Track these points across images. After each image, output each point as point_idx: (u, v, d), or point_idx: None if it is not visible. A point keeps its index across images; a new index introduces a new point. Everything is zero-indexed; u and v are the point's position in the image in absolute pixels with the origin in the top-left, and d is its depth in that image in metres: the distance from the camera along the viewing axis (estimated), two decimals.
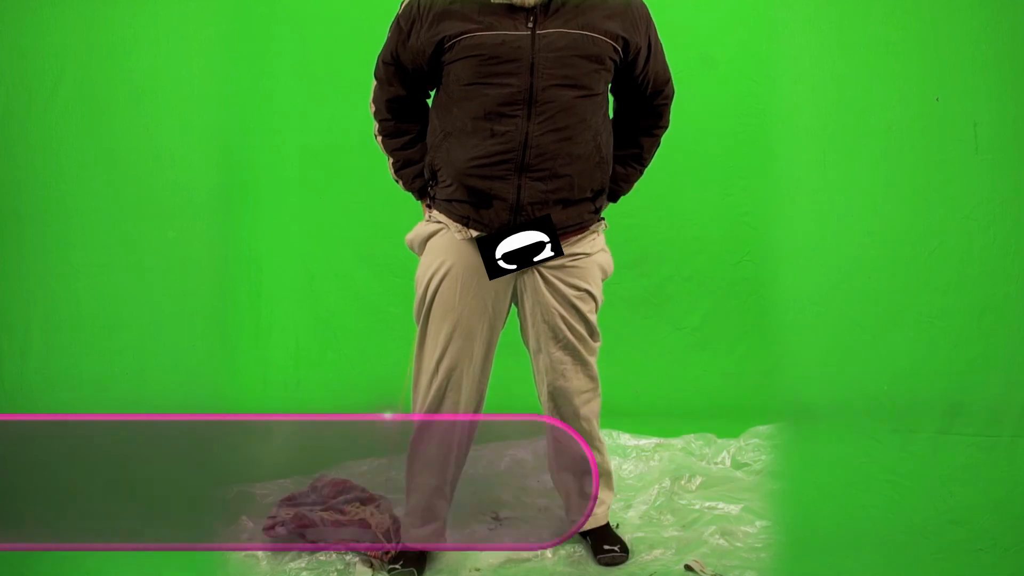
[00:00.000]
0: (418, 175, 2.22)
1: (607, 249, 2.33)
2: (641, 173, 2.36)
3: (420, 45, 2.10)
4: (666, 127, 2.33)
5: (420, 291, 2.26)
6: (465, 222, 2.14)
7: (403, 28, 2.12)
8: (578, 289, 2.26)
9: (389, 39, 2.17)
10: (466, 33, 2.04)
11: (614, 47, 2.09)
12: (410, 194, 2.28)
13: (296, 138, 3.66)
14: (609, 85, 2.19)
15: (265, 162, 3.65)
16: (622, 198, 2.43)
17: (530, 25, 2.03)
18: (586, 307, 2.28)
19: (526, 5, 2.02)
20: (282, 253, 3.72)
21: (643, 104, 2.25)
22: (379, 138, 2.24)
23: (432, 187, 2.20)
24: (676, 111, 2.43)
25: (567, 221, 2.17)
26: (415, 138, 2.23)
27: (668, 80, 2.26)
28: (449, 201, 2.15)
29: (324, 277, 3.61)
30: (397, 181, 2.27)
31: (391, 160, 2.24)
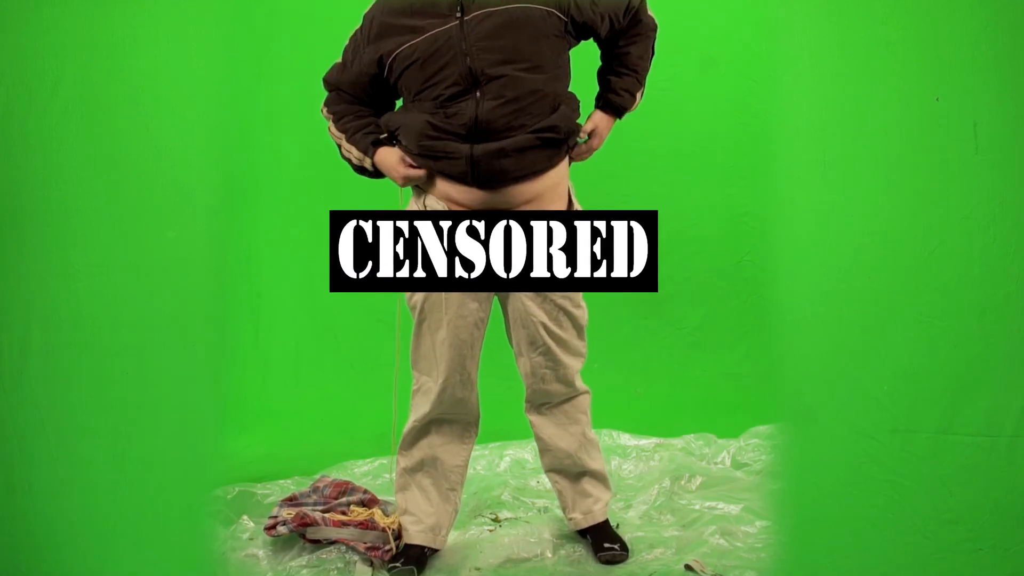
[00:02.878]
0: (368, 131, 2.26)
1: (575, 201, 2.31)
2: (638, 80, 2.30)
3: (362, 68, 2.22)
4: (652, 27, 2.28)
5: (408, 298, 2.31)
6: (432, 169, 2.19)
7: (345, 56, 2.26)
8: (562, 295, 2.27)
9: (338, 62, 2.29)
10: (401, 46, 2.13)
11: (547, 11, 2.11)
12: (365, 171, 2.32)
13: (296, 138, 3.67)
14: (567, 53, 2.20)
15: (265, 162, 3.66)
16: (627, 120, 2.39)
17: (458, 15, 2.08)
18: (571, 307, 2.30)
19: None
20: (282, 253, 3.73)
21: (620, 33, 2.26)
22: (332, 128, 2.32)
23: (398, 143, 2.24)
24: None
25: (536, 164, 2.17)
26: (366, 113, 2.29)
27: (628, 3, 2.23)
28: (415, 156, 2.20)
29: (323, 277, 3.60)
30: (349, 156, 2.30)
31: (344, 136, 2.28)
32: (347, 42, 2.28)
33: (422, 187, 2.25)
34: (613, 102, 2.29)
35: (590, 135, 2.27)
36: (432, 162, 2.18)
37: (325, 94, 2.35)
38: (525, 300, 2.25)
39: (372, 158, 2.25)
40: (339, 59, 2.30)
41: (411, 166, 2.20)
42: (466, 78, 2.10)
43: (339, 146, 2.32)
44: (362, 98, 2.29)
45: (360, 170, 2.32)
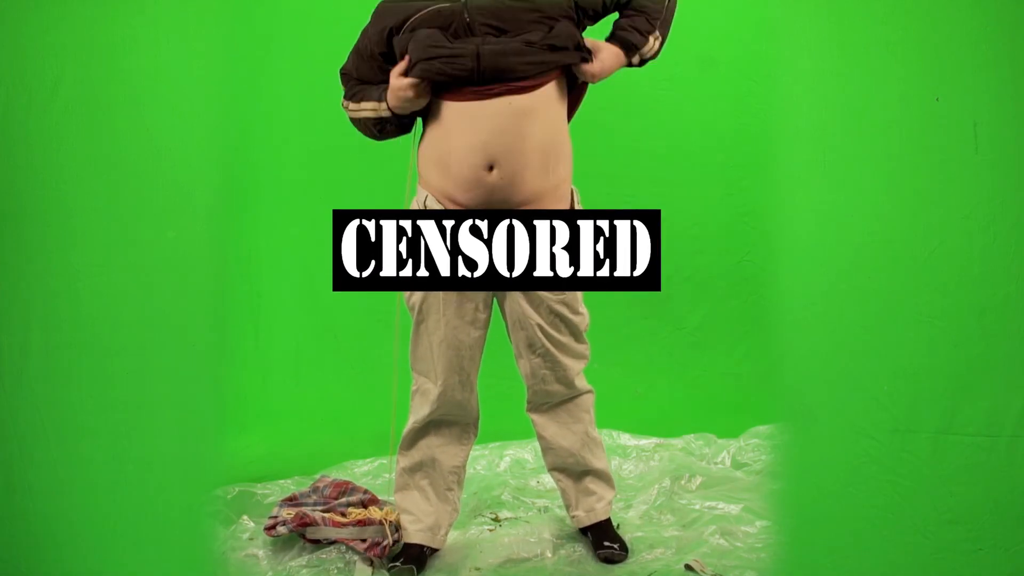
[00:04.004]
0: (375, 86, 2.25)
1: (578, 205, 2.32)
2: (649, 21, 2.25)
3: (372, 46, 2.22)
4: None
5: (407, 299, 2.31)
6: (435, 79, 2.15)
7: (362, 49, 2.27)
8: (558, 297, 2.27)
9: (351, 57, 2.30)
10: (406, 20, 2.14)
11: None
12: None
13: (296, 138, 3.67)
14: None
15: (265, 162, 3.66)
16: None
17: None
18: (568, 313, 2.30)
19: None
20: (282, 253, 3.73)
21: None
22: (348, 105, 2.31)
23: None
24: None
25: (541, 67, 2.15)
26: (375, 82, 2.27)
27: None
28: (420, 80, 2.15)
29: (323, 277, 3.61)
30: (366, 112, 2.28)
31: (352, 100, 2.29)
32: (362, 34, 2.28)
33: (422, 186, 2.25)
34: (621, 37, 2.24)
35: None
36: (437, 63, 2.12)
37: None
38: (521, 303, 2.25)
39: (386, 99, 2.22)
40: (351, 54, 2.30)
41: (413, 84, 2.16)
42: (464, 31, 2.11)
43: (357, 121, 2.29)
44: (374, 82, 2.28)
45: (379, 125, 2.28)
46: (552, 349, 2.28)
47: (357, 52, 2.29)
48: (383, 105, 2.23)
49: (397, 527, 2.39)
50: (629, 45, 2.25)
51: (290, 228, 3.72)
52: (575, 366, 2.35)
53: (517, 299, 2.25)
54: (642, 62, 2.30)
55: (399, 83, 2.16)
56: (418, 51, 2.13)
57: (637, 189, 3.53)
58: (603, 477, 2.46)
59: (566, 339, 2.30)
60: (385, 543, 2.33)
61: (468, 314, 2.25)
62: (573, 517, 2.46)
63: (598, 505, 2.44)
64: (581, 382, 2.38)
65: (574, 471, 2.44)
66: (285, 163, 3.71)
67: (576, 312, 2.30)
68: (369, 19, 2.27)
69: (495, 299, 2.33)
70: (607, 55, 2.23)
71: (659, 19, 2.26)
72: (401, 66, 2.16)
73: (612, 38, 2.26)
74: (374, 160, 3.54)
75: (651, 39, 2.26)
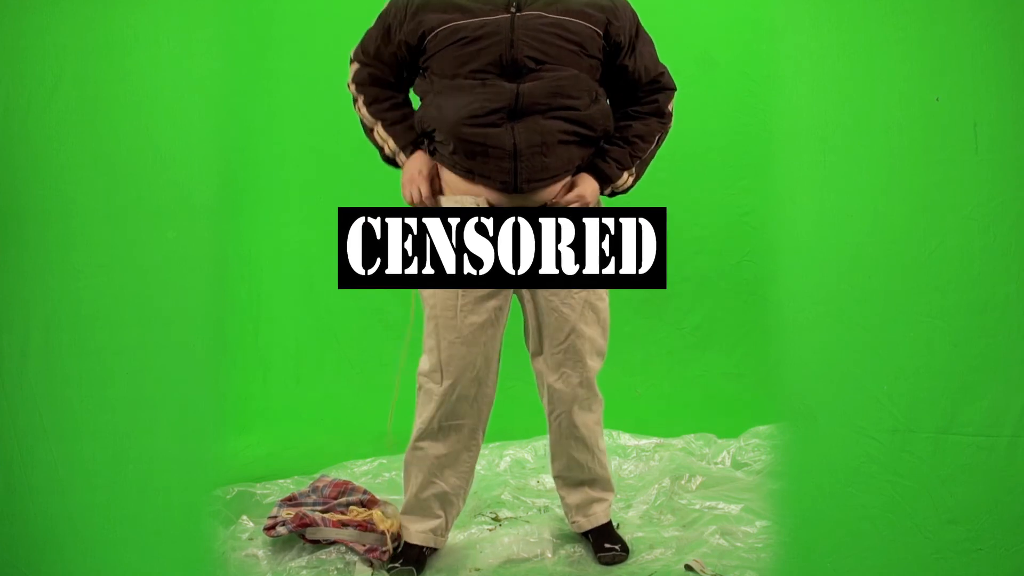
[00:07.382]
0: (411, 127, 2.24)
1: None
2: (631, 156, 2.26)
3: (403, 37, 2.17)
4: (664, 118, 2.29)
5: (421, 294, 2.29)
6: (470, 176, 2.13)
7: (387, 22, 2.20)
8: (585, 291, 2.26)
9: (373, 29, 2.24)
10: (446, 23, 2.11)
11: (595, 31, 2.12)
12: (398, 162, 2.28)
13: (296, 138, 3.67)
14: (598, 75, 2.20)
15: (265, 162, 3.66)
16: (619, 197, 2.36)
17: (513, 9, 2.10)
18: (594, 300, 2.28)
19: None
20: (282, 253, 3.73)
21: (636, 95, 2.26)
22: (364, 109, 2.26)
23: (432, 145, 2.21)
24: (677, 111, 2.42)
25: (572, 162, 2.18)
26: (402, 101, 2.27)
27: (661, 73, 2.27)
28: (452, 155, 2.16)
29: (323, 277, 3.62)
30: (383, 144, 2.27)
31: (381, 123, 2.25)
32: (386, 10, 2.23)
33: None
34: (600, 169, 2.25)
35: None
36: (472, 162, 2.15)
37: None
38: (549, 294, 2.23)
39: (407, 157, 2.24)
40: (372, 28, 2.24)
41: (427, 185, 2.21)
42: (507, 65, 2.10)
43: (369, 129, 2.29)
44: (397, 75, 2.26)
45: (388, 160, 2.31)
46: (577, 342, 2.26)
47: (387, 33, 2.21)
48: (401, 157, 2.25)
49: (398, 537, 2.39)
50: (605, 178, 2.26)
51: (290, 228, 3.72)
52: (595, 365, 2.32)
53: (543, 291, 2.24)
54: (612, 194, 2.31)
55: (411, 176, 2.21)
56: (446, 127, 2.12)
57: (636, 189, 3.53)
58: (604, 482, 2.45)
59: (592, 331, 2.28)
60: (385, 549, 2.33)
61: (488, 312, 2.22)
62: (573, 523, 2.45)
63: (598, 509, 2.44)
64: (596, 387, 2.36)
65: (577, 478, 2.43)
66: (285, 163, 3.72)
67: (601, 298, 2.30)
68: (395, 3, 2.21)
69: (515, 296, 2.31)
70: (585, 189, 2.23)
71: (640, 158, 2.29)
72: (424, 168, 2.21)
73: (590, 167, 2.25)
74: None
75: (626, 175, 2.29)
